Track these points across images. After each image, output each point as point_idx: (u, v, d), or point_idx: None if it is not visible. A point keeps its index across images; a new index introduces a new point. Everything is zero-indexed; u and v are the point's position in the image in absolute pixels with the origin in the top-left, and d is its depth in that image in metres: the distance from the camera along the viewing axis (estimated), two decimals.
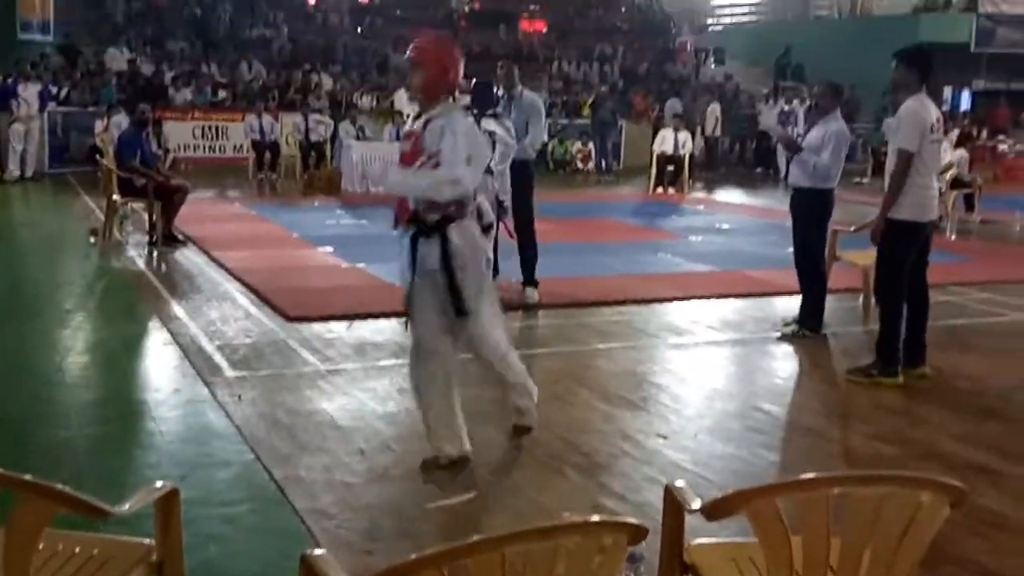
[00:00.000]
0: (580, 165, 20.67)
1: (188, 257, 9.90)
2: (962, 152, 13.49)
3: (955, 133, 13.71)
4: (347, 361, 6.26)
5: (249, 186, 16.65)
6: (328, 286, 8.47)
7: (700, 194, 17.33)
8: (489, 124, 7.33)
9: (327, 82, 21.04)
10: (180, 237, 10.55)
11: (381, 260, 9.44)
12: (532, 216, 8.12)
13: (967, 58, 24.48)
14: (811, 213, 7.09)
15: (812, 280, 7.24)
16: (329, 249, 10.32)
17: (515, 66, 8.46)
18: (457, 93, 4.71)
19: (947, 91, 25.32)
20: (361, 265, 9.38)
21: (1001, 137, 21.87)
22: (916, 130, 5.83)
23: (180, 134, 18.29)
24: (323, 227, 12.06)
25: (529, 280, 8.13)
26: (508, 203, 7.53)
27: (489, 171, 6.34)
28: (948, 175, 12.39)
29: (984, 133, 21.42)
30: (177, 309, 7.61)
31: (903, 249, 5.99)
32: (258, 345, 6.58)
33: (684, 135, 17.41)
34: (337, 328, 7.06)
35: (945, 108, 23.65)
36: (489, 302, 4.70)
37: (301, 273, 9.02)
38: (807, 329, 7.16)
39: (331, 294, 8.14)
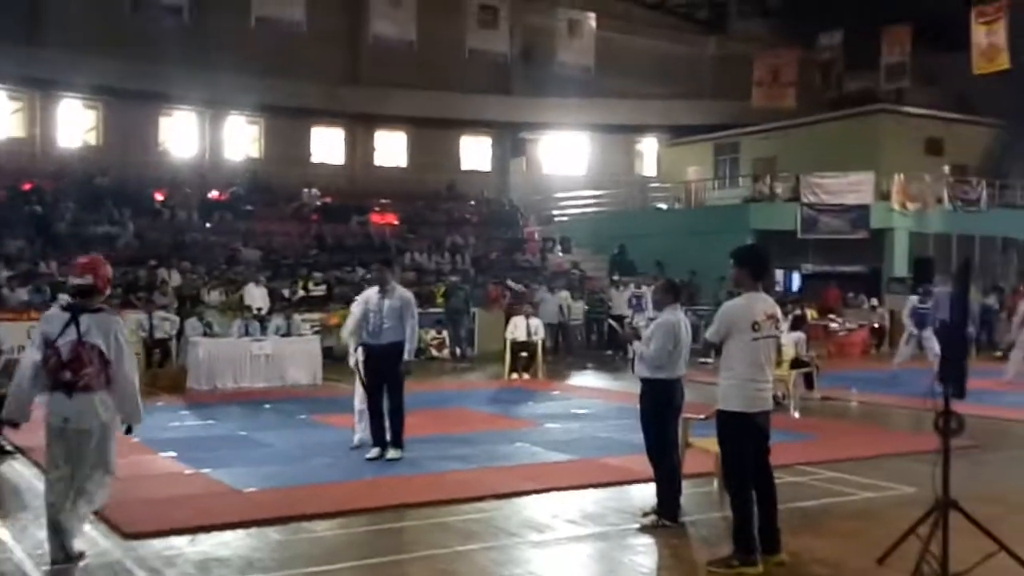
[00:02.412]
0: (435, 352, 20.70)
1: (16, 470, 9.23)
2: (798, 334, 14.15)
3: (790, 318, 14.36)
4: None
5: None
6: (169, 496, 7.99)
7: (555, 379, 17.48)
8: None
9: (175, 278, 20.65)
10: (8, 447, 9.86)
11: (228, 464, 9.07)
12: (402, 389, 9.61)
13: (795, 243, 26.13)
14: (653, 402, 7.25)
15: (664, 469, 7.29)
16: (172, 454, 9.80)
17: (388, 267, 9.89)
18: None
19: (779, 274, 26.83)
20: (206, 471, 8.93)
21: (832, 316, 23.12)
22: (724, 324, 6.18)
23: (15, 335, 17.42)
24: (165, 429, 11.49)
25: (396, 442, 9.56)
26: None
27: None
28: (786, 356, 12.91)
29: (813, 314, 22.59)
30: (1, 530, 7.00)
31: (739, 439, 6.16)
32: (90, 568, 6.07)
33: (536, 321, 17.71)
34: (178, 543, 6.61)
35: (778, 289, 25.03)
36: None
37: (139, 483, 8.47)
38: (666, 519, 7.15)
39: (172, 505, 7.67)
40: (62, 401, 5.92)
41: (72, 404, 5.92)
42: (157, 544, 6.60)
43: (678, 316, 7.24)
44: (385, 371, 9.54)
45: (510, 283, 23.67)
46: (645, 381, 7.28)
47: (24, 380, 6.08)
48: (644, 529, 7.10)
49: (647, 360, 7.16)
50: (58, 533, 5.98)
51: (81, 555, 6.12)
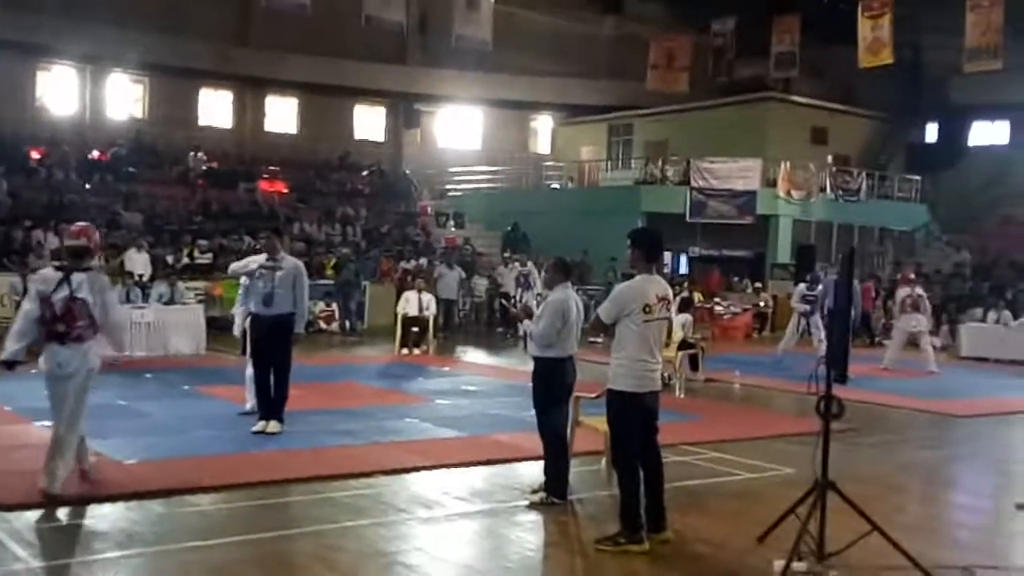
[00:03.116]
0: (323, 325, 20.41)
1: None
2: (686, 316, 14.43)
3: (678, 299, 14.61)
4: (65, 555, 5.62)
5: None
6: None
7: (445, 355, 17.45)
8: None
9: (52, 240, 19.80)
10: None
11: (107, 434, 8.76)
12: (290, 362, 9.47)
13: (684, 226, 26.63)
14: (543, 380, 7.30)
15: (553, 447, 7.35)
16: (48, 423, 9.39)
17: (278, 235, 9.77)
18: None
19: (667, 256, 27.33)
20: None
21: (717, 299, 23.67)
22: (616, 306, 6.24)
23: None
24: (41, 398, 10.92)
25: (277, 415, 9.38)
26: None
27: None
28: (675, 337, 13.15)
29: (700, 296, 23.09)
30: None
31: (628, 418, 6.25)
32: None
33: (428, 296, 17.62)
34: (55, 516, 6.37)
35: (666, 271, 25.51)
36: None
37: (13, 453, 8.15)
38: (554, 496, 7.21)
39: None
40: (56, 350, 6.74)
41: (63, 351, 6.72)
42: (32, 516, 6.34)
43: (568, 295, 7.27)
44: (273, 342, 9.35)
45: (404, 263, 23.34)
46: (536, 360, 7.32)
47: (24, 326, 6.83)
48: (532, 506, 7.14)
49: (536, 338, 7.21)
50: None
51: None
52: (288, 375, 9.45)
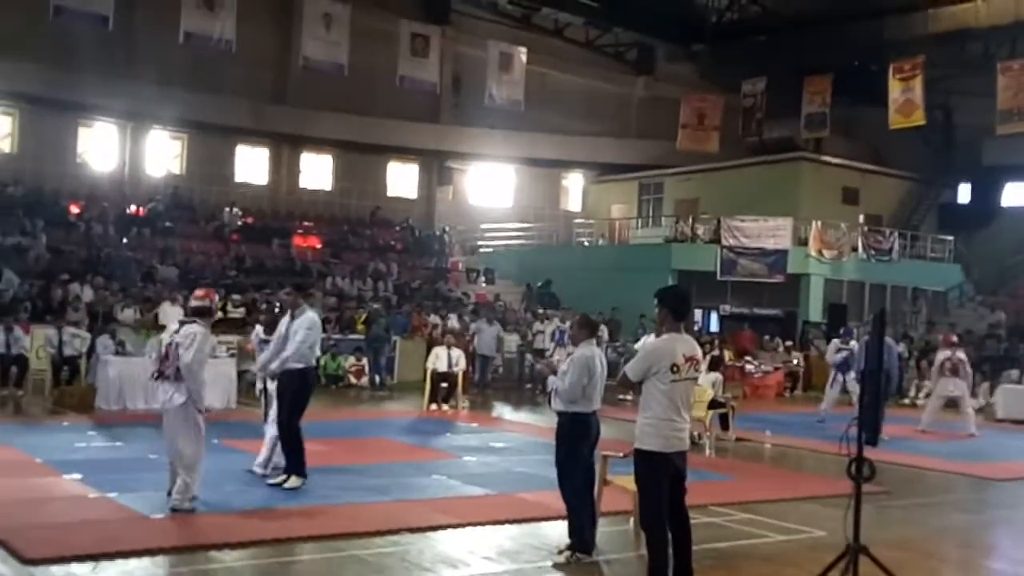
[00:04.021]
0: (354, 380, 20.45)
1: None
2: (716, 375, 14.33)
3: (708, 358, 14.52)
4: None
5: None
6: (72, 520, 7.71)
7: (474, 411, 17.41)
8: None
9: (87, 294, 20.08)
10: None
11: (135, 488, 8.80)
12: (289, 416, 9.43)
13: (714, 284, 26.57)
14: (567, 436, 7.30)
15: (573, 502, 7.29)
16: (77, 476, 9.47)
17: (300, 292, 9.96)
18: None
19: (698, 313, 27.23)
20: (112, 494, 8.64)
21: (748, 358, 23.50)
22: (644, 364, 6.26)
23: None
24: (71, 450, 11.14)
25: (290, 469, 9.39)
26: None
27: None
28: (705, 396, 13.05)
29: (731, 355, 22.93)
30: None
31: (655, 478, 6.19)
32: None
33: (457, 352, 17.62)
34: (80, 571, 6.37)
35: (696, 328, 25.40)
36: None
37: (41, 506, 8.18)
38: (579, 552, 7.15)
39: (75, 529, 7.40)
40: (157, 385, 8.37)
41: (161, 386, 8.24)
42: (57, 571, 6.36)
43: (593, 351, 7.31)
44: (280, 394, 9.53)
45: (448, 319, 23.37)
46: (561, 415, 7.33)
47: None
48: (559, 566, 7.07)
49: (561, 394, 7.23)
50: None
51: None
52: (290, 426, 9.36)
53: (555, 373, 7.48)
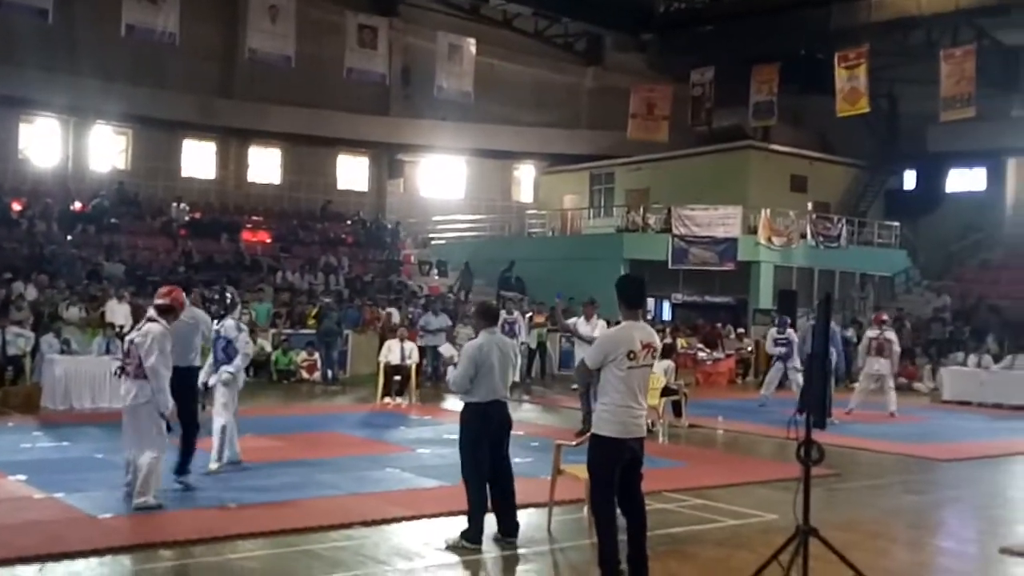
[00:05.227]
0: (305, 375, 20.28)
1: None
2: (668, 362, 14.41)
3: (661, 345, 14.57)
4: None
5: None
6: (16, 521, 7.55)
7: (427, 404, 17.35)
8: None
9: (31, 292, 19.68)
10: None
11: (82, 488, 8.66)
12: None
13: (666, 273, 26.75)
14: (463, 425, 7.34)
15: (470, 491, 7.28)
16: (22, 477, 9.27)
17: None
18: None
19: (650, 302, 27.38)
20: (59, 495, 8.48)
21: (700, 346, 23.67)
22: (601, 351, 6.30)
23: None
24: (16, 451, 10.92)
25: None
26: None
27: None
28: (658, 383, 13.12)
29: (683, 342, 23.06)
30: None
31: (608, 463, 6.21)
32: None
33: (410, 345, 17.53)
34: (26, 572, 6.25)
35: (649, 317, 25.53)
36: None
37: None
38: (464, 540, 7.20)
39: (21, 531, 7.24)
40: (121, 382, 8.32)
41: (125, 383, 8.21)
42: (2, 573, 6.22)
43: (489, 340, 7.31)
44: None
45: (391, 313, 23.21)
46: (463, 405, 7.38)
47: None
48: (449, 548, 7.13)
49: (451, 385, 7.37)
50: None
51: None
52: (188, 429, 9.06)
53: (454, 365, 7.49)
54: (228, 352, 9.77)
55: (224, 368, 9.73)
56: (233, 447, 9.91)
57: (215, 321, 9.87)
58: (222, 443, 9.81)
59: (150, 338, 8.00)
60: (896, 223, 31.49)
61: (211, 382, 9.82)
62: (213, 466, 9.72)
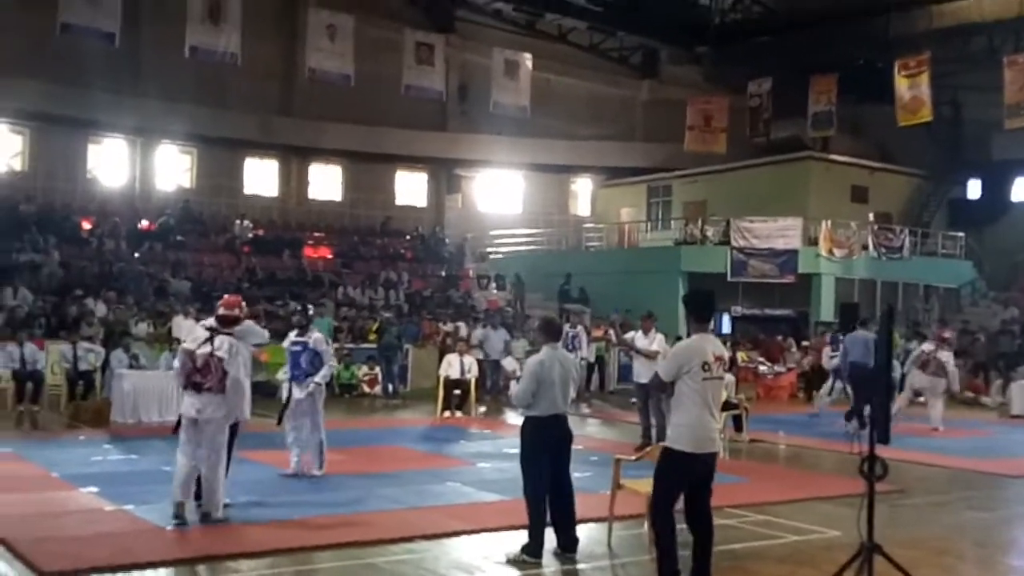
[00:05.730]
0: (367, 389, 20.49)
1: None
2: (729, 376, 14.30)
3: None
4: None
5: (7, 419, 15.40)
6: (88, 533, 7.76)
7: (488, 417, 17.42)
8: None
9: (101, 309, 20.18)
10: None
11: (151, 500, 8.85)
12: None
13: (725, 286, 26.52)
14: (525, 439, 7.37)
15: (531, 506, 7.32)
16: (93, 489, 9.54)
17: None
18: None
19: None
20: (129, 507, 8.70)
21: (760, 359, 23.43)
22: (675, 364, 6.33)
23: None
24: (87, 464, 11.22)
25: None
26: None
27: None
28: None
29: (744, 356, 22.85)
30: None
31: (676, 478, 6.22)
32: None
33: (470, 359, 17.65)
34: None
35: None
36: None
37: (58, 519, 8.23)
38: (525, 554, 7.21)
39: (91, 542, 7.44)
40: (193, 398, 8.10)
41: (199, 399, 8.08)
42: None
43: (551, 355, 7.34)
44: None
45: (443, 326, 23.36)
46: (524, 419, 7.42)
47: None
48: (510, 562, 7.15)
49: (512, 400, 7.46)
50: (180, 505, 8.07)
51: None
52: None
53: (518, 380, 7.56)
54: (315, 364, 10.33)
55: (311, 379, 10.30)
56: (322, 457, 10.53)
57: (293, 333, 10.62)
58: (322, 452, 10.47)
59: (233, 350, 8.10)
60: (960, 233, 30.90)
61: (297, 394, 10.14)
62: (317, 472, 10.41)
